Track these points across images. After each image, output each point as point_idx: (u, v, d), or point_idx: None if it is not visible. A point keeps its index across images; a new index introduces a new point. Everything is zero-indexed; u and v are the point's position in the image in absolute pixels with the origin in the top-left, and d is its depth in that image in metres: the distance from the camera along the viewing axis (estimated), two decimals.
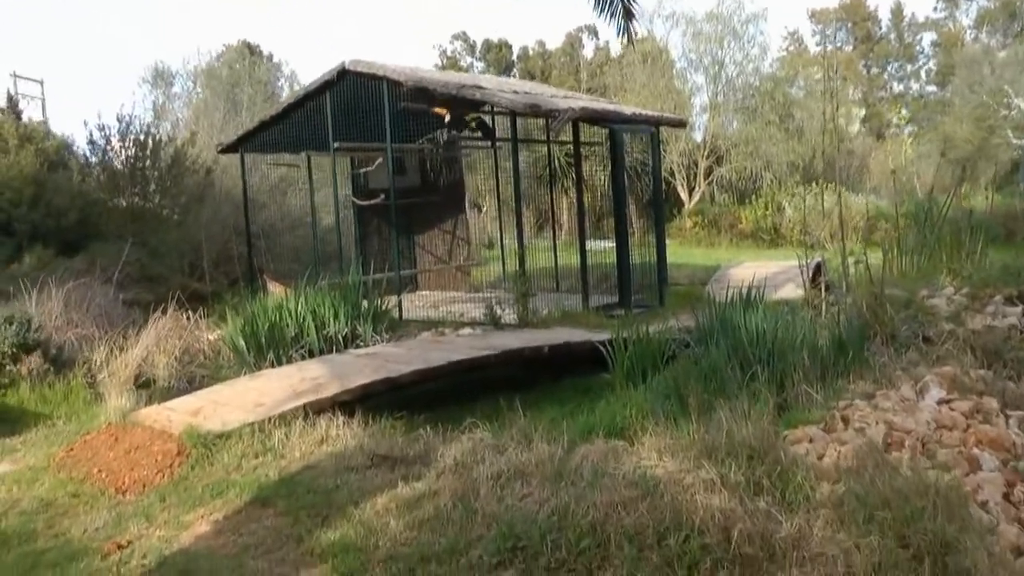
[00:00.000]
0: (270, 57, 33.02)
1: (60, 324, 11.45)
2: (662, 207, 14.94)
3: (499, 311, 12.00)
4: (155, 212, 18.87)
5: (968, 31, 48.14)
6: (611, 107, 14.52)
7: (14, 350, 9.61)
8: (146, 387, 10.27)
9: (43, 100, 24.34)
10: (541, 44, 53.33)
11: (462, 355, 9.10)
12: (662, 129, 15.20)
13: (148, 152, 18.68)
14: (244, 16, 64.46)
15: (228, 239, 17.55)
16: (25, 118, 21.00)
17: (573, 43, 53.64)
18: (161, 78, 24.82)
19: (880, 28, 54.14)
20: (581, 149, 14.06)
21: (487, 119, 15.01)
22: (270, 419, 7.35)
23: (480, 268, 17.38)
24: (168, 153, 19.15)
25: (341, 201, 14.88)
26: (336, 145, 13.79)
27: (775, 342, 7.99)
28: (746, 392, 6.76)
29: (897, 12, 53.26)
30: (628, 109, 14.64)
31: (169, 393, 9.91)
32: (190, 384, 10.43)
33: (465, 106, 13.28)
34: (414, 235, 16.97)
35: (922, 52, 53.24)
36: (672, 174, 29.00)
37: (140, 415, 8.11)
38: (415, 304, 14.53)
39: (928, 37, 52.54)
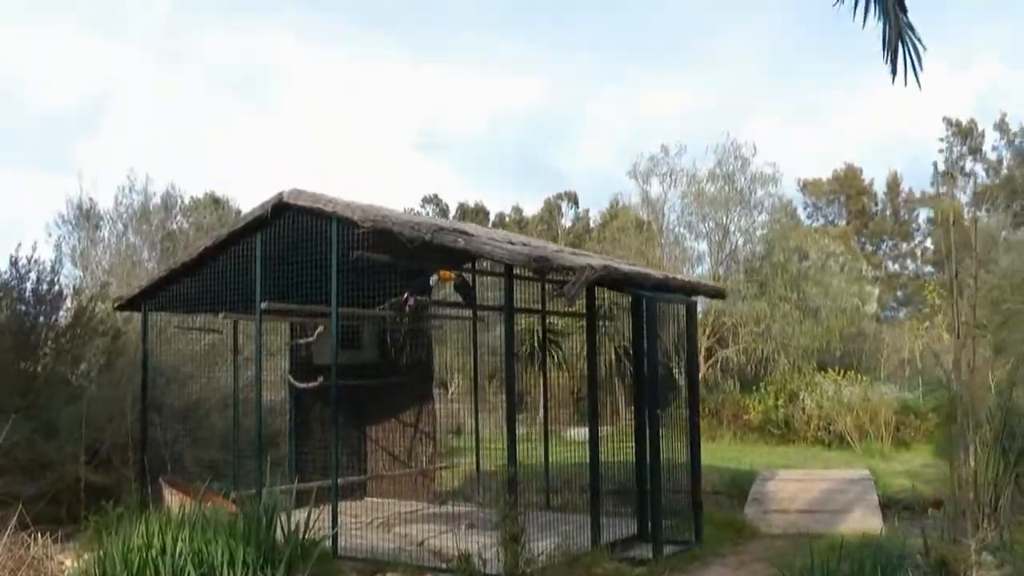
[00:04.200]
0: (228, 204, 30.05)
1: None
2: (697, 398, 11.36)
3: (476, 560, 8.30)
4: (53, 379, 15.27)
5: (967, 209, 45.83)
6: (637, 268, 11.10)
7: None
8: None
9: None
10: (518, 210, 50.93)
11: None
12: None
13: (43, 307, 15.13)
14: (212, 171, 61.86)
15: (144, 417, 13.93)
16: None
17: (552, 210, 51.40)
18: (86, 219, 21.48)
19: (876, 204, 51.86)
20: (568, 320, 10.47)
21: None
22: None
23: (448, 469, 13.79)
24: (71, 308, 15.61)
25: (273, 380, 11.39)
26: (264, 305, 10.23)
27: None
28: None
29: (893, 186, 51.09)
30: (656, 273, 11.24)
31: None
32: None
33: (441, 259, 9.87)
34: (366, 426, 13.26)
35: (918, 229, 50.89)
36: (668, 356, 25.51)
37: None
38: (360, 520, 10.86)
39: (924, 214, 50.32)
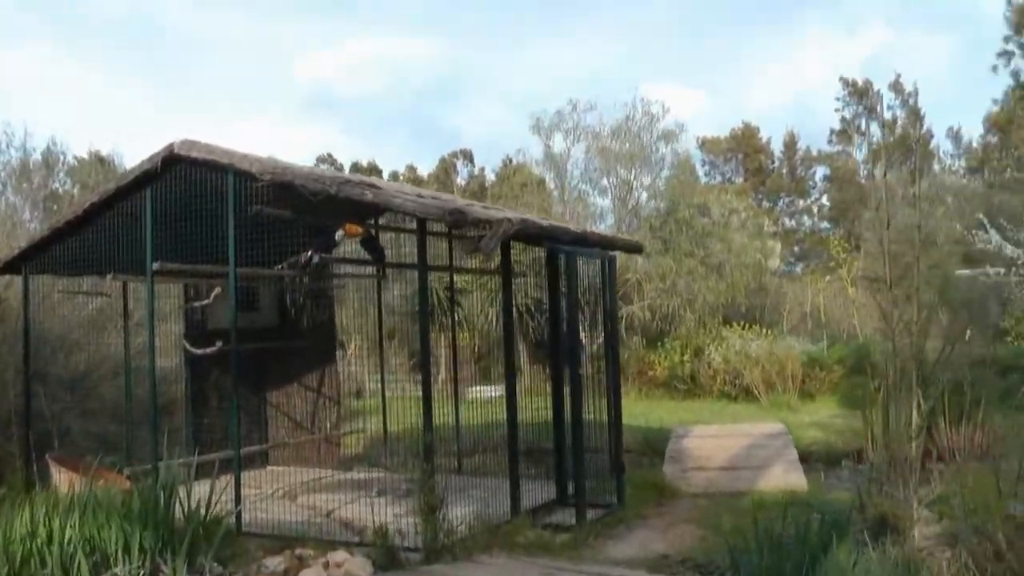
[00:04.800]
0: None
1: None
2: (618, 355, 10.97)
3: (394, 532, 7.81)
4: None
5: (862, 166, 46.54)
6: (554, 223, 10.62)
7: None
8: None
9: None
10: (412, 169, 50.24)
11: None
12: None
13: None
14: (94, 130, 59.61)
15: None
16: None
17: (447, 168, 50.83)
18: None
19: (772, 162, 52.35)
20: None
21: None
22: None
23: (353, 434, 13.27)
24: None
25: (166, 345, 10.67)
26: (155, 266, 9.48)
27: None
28: None
29: (790, 145, 51.59)
30: (574, 227, 10.79)
31: None
32: None
33: (346, 214, 9.23)
34: (266, 392, 12.60)
35: (814, 187, 51.52)
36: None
37: None
38: (263, 492, 10.24)
39: (820, 171, 50.95)
